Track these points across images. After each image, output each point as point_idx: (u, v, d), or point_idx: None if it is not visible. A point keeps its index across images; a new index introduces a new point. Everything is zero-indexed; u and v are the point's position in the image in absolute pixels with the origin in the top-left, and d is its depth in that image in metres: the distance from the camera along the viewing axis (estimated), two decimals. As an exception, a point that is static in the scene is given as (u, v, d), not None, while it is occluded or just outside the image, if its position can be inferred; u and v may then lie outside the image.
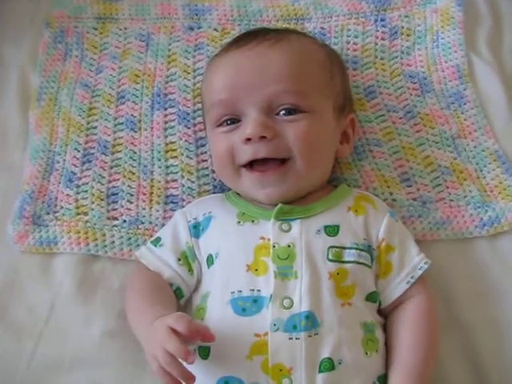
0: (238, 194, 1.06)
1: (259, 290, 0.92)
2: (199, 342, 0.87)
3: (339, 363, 0.88)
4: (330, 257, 0.94)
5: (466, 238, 1.10)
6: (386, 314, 0.99)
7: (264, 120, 0.97)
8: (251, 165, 0.99)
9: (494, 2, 1.31)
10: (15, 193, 1.15)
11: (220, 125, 1.03)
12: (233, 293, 0.93)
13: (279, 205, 0.98)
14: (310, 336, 0.89)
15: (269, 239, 0.96)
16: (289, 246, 0.95)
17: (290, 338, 0.89)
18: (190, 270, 1.01)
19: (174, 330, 0.83)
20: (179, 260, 1.01)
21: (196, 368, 0.86)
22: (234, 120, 1.01)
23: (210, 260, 0.99)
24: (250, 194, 1.02)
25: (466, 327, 1.04)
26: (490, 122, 1.18)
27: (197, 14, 1.32)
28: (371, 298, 0.96)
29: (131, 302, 1.00)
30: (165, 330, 0.84)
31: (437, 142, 1.16)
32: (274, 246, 0.95)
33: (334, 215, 0.99)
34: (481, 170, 1.13)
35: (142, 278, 1.02)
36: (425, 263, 0.99)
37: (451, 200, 1.11)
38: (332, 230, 0.97)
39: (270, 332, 0.89)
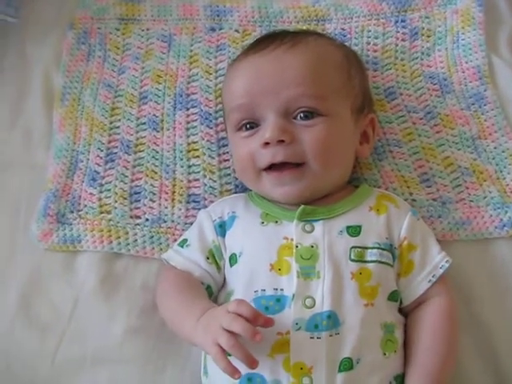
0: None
1: (282, 290, 0.93)
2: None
3: (357, 362, 0.89)
4: (353, 257, 0.95)
5: (486, 239, 1.09)
6: (406, 313, 0.99)
7: (282, 124, 0.98)
8: (270, 167, 1.00)
9: (515, 3, 1.31)
10: (39, 191, 1.16)
11: (240, 129, 1.04)
12: (256, 292, 0.94)
13: (302, 206, 0.98)
14: (330, 336, 0.90)
15: (292, 239, 0.96)
16: (312, 246, 0.96)
17: (312, 338, 0.89)
18: (219, 267, 1.02)
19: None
20: (208, 259, 1.02)
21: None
22: (253, 124, 1.02)
23: (234, 259, 1.00)
24: (270, 194, 1.03)
25: (485, 327, 1.04)
26: (510, 123, 1.17)
27: (218, 15, 1.33)
28: (393, 297, 0.97)
29: (169, 298, 1.00)
30: (228, 315, 0.85)
31: (457, 143, 1.16)
32: (296, 246, 0.95)
33: (356, 215, 1.00)
34: (501, 171, 1.13)
35: (174, 276, 1.02)
36: (446, 262, 0.99)
37: (471, 201, 1.11)
38: (354, 231, 0.97)
39: (291, 331, 0.90)
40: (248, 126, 1.03)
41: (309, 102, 0.99)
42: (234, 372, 0.84)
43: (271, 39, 1.06)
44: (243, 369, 0.88)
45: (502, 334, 1.03)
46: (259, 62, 1.03)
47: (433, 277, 0.98)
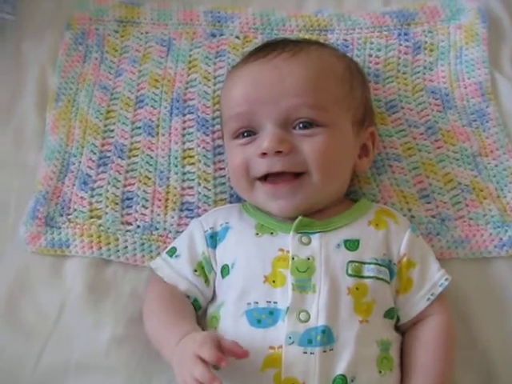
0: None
1: (276, 302, 0.91)
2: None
3: (352, 380, 0.87)
4: (350, 272, 0.93)
5: (485, 258, 1.08)
6: (403, 330, 0.98)
7: (280, 134, 0.97)
8: (265, 178, 0.99)
9: (519, 20, 1.31)
10: (29, 193, 1.14)
11: (237, 137, 1.02)
12: (249, 304, 0.92)
13: (299, 217, 0.96)
14: (324, 351, 0.87)
15: (288, 251, 0.94)
16: (308, 258, 0.94)
17: (305, 352, 0.87)
18: (207, 280, 1.00)
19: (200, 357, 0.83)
20: (195, 271, 1.00)
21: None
22: (251, 133, 1.00)
23: (226, 270, 0.98)
24: (264, 206, 1.01)
25: (482, 348, 1.03)
26: (511, 141, 1.17)
27: (219, 21, 1.32)
28: (389, 314, 0.95)
29: (152, 316, 0.99)
30: (191, 357, 0.83)
31: (457, 159, 1.15)
32: (293, 258, 0.93)
33: (355, 229, 0.98)
34: (501, 189, 1.12)
35: (160, 290, 1.00)
36: (445, 280, 0.98)
37: (470, 218, 1.10)
38: (352, 245, 0.96)
39: (284, 345, 0.88)
40: (245, 134, 1.01)
41: (308, 112, 0.98)
42: None
43: (272, 47, 1.05)
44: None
45: (497, 354, 1.02)
46: (259, 69, 1.02)
47: (431, 295, 0.97)
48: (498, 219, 1.09)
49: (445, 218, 1.10)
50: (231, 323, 0.93)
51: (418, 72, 1.25)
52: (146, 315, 1.00)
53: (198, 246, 1.02)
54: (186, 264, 1.01)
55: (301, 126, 0.98)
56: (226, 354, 0.83)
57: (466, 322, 1.04)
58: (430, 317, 0.97)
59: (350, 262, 0.94)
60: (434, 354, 0.94)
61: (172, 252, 1.03)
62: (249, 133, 1.00)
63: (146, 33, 1.31)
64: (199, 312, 1.01)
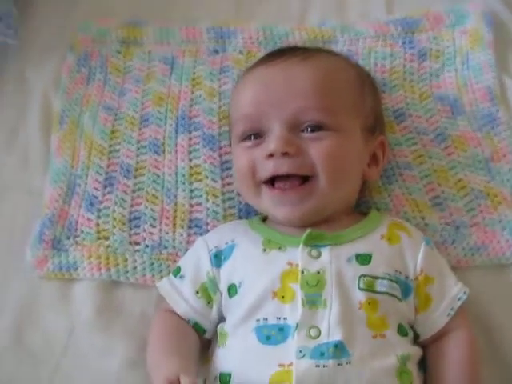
0: (262, 220, 1.03)
1: (285, 318, 0.88)
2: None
3: None
4: (361, 286, 0.90)
5: (503, 265, 1.06)
6: (424, 346, 0.95)
7: (288, 136, 0.95)
8: (272, 182, 0.97)
9: (524, 23, 1.30)
10: (35, 217, 1.13)
11: (244, 140, 1.01)
12: (258, 320, 0.89)
13: (308, 230, 0.94)
14: (339, 364, 0.84)
15: (297, 265, 0.91)
16: (318, 272, 0.90)
17: (318, 366, 0.83)
18: (210, 301, 0.97)
19: None
20: (197, 293, 0.97)
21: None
22: (258, 135, 0.99)
23: (233, 290, 0.95)
24: (270, 212, 1.00)
25: (504, 358, 1.00)
26: (523, 145, 1.15)
27: (222, 37, 1.32)
28: (401, 331, 0.91)
29: (151, 350, 0.96)
30: None
31: (469, 165, 1.13)
32: (302, 272, 0.90)
33: (366, 243, 0.95)
34: (516, 194, 1.10)
35: (164, 320, 0.99)
36: (464, 293, 0.96)
37: (486, 225, 1.08)
38: (364, 259, 0.93)
39: (295, 359, 0.84)
40: (252, 136, 1.00)
41: (317, 115, 0.96)
42: None
43: (282, 52, 1.06)
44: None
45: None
46: (269, 72, 1.02)
47: (451, 310, 0.94)
48: (515, 224, 1.07)
49: (459, 225, 1.08)
50: (240, 340, 0.91)
51: (425, 79, 1.23)
52: (148, 348, 0.97)
53: (203, 267, 0.99)
54: (189, 286, 0.98)
55: (309, 129, 0.96)
56: None
57: (487, 332, 1.01)
58: (452, 332, 0.94)
59: (362, 275, 0.91)
60: (461, 372, 0.91)
61: (177, 272, 1.01)
62: (256, 136, 0.99)
63: (149, 52, 1.31)
64: (207, 334, 0.98)
